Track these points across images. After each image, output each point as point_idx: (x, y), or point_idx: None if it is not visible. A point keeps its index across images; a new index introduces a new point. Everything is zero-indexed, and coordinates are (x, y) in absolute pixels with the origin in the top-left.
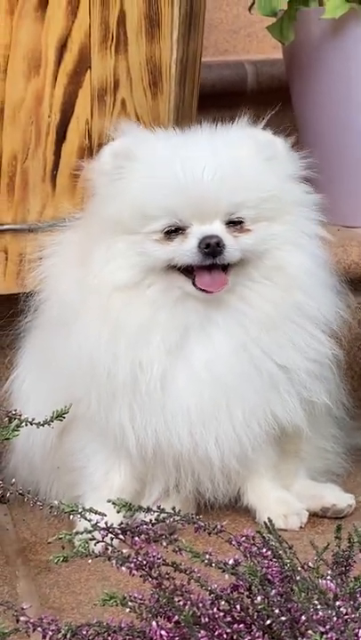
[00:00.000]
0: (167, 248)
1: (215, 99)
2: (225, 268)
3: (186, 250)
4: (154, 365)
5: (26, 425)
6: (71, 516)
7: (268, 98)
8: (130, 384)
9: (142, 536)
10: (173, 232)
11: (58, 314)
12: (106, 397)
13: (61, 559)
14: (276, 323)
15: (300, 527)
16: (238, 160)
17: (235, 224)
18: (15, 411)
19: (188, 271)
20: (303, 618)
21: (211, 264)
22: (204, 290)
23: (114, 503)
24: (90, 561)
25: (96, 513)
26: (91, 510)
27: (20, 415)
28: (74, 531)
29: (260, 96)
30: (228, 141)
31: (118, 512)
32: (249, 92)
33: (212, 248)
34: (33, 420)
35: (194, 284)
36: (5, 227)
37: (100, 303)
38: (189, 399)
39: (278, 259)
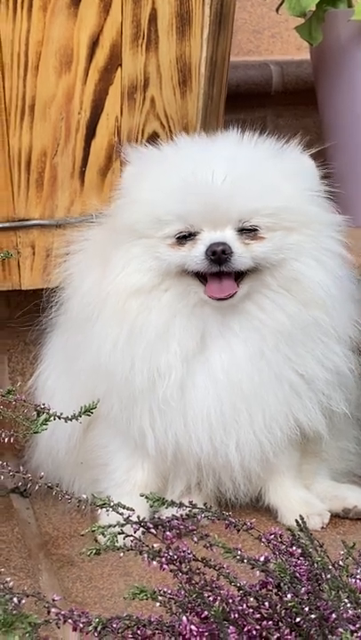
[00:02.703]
0: (179, 253)
1: (240, 99)
2: (239, 275)
3: (194, 256)
4: (171, 372)
5: (54, 419)
6: (97, 510)
7: (294, 99)
8: (148, 390)
9: (173, 531)
10: (185, 237)
11: (79, 313)
12: (126, 400)
13: (93, 552)
14: (293, 334)
15: (322, 527)
16: (253, 167)
17: (248, 231)
18: (43, 404)
19: (201, 277)
20: (333, 616)
21: (218, 271)
22: (213, 296)
23: (147, 497)
24: (119, 554)
25: (124, 507)
26: (119, 505)
27: (49, 409)
28: (107, 524)
29: (285, 97)
30: (248, 148)
31: (151, 506)
32: (274, 92)
33: (217, 256)
34: (61, 414)
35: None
36: (33, 222)
37: (117, 307)
38: (209, 405)
39: (295, 270)
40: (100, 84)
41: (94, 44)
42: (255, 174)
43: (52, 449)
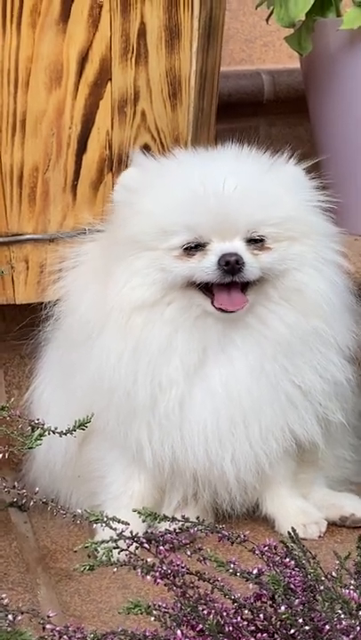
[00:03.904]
0: (187, 264)
1: (232, 108)
2: (244, 286)
3: (205, 267)
4: (173, 387)
5: (48, 434)
6: (93, 525)
7: (286, 107)
8: (149, 405)
9: (167, 545)
10: (193, 248)
11: (78, 331)
12: (124, 415)
13: (88, 567)
14: (293, 345)
15: (319, 536)
16: (259, 178)
17: (255, 242)
18: (38, 420)
19: (207, 289)
20: (327, 627)
21: (230, 282)
22: (221, 309)
23: (139, 512)
24: (112, 569)
25: (119, 522)
26: (114, 519)
27: (43, 424)
28: (99, 539)
29: (277, 106)
30: (250, 161)
31: (144, 521)
32: (265, 101)
33: (231, 266)
34: (55, 429)
35: (213, 304)
36: (26, 236)
37: (121, 323)
38: (206, 418)
39: (297, 280)
40: (91, 98)
41: (84, 60)
42: (260, 186)
43: (49, 462)
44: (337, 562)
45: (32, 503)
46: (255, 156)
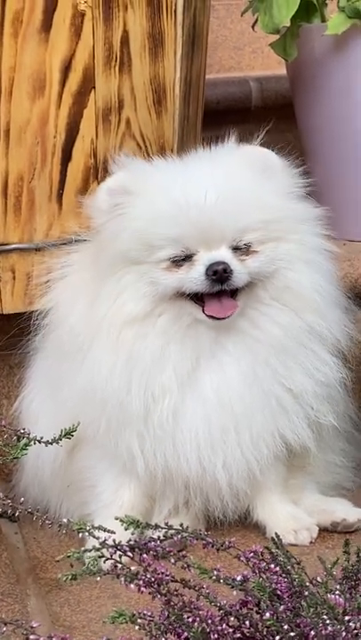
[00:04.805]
0: (175, 276)
1: (220, 115)
2: (234, 292)
3: (193, 277)
4: (166, 396)
5: (34, 444)
6: (81, 534)
7: (273, 114)
8: (142, 414)
9: (151, 553)
10: (181, 259)
11: (68, 343)
12: (116, 426)
13: (70, 577)
14: (286, 346)
15: (311, 542)
16: (239, 184)
17: (242, 247)
18: (24, 430)
19: (197, 298)
20: (312, 633)
21: (219, 290)
22: (213, 317)
23: (122, 521)
24: (99, 578)
25: (105, 530)
26: (100, 528)
27: (29, 434)
28: (82, 549)
29: (265, 112)
30: (226, 165)
31: (126, 529)
32: (253, 108)
33: (219, 275)
34: (41, 438)
35: (204, 311)
36: (12, 246)
37: (112, 337)
38: (198, 425)
39: (288, 279)
40: (75, 107)
41: (67, 69)
42: (239, 189)
43: (38, 472)
44: (326, 566)
45: (18, 513)
46: (229, 154)
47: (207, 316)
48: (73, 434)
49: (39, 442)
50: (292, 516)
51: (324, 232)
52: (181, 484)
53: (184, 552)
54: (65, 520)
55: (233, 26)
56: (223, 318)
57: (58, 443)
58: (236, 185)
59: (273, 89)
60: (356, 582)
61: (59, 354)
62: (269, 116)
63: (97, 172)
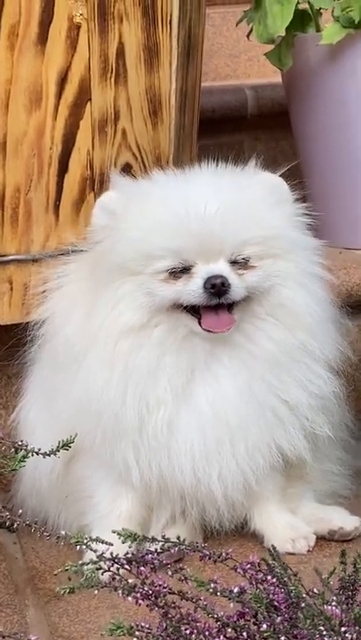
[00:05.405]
0: (173, 288)
1: (216, 124)
2: (230, 306)
3: (191, 290)
4: (161, 408)
5: (32, 455)
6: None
7: (269, 122)
8: (137, 426)
9: (148, 565)
10: (179, 271)
11: (64, 354)
12: (112, 436)
13: (68, 591)
14: (280, 361)
15: (308, 550)
16: (241, 198)
17: (240, 262)
18: (21, 441)
19: (194, 310)
20: None
21: (216, 304)
22: (210, 330)
23: (119, 534)
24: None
25: (102, 542)
26: (97, 540)
27: (26, 446)
28: (80, 562)
29: (261, 120)
30: (229, 180)
31: (123, 542)
32: (249, 116)
33: (217, 288)
34: (39, 450)
35: (200, 324)
36: (10, 257)
37: (108, 348)
38: (193, 437)
39: (283, 296)
40: (71, 119)
41: (63, 81)
42: (241, 205)
43: (36, 482)
44: (324, 576)
45: (16, 525)
46: (234, 172)
47: (204, 329)
48: (70, 445)
49: (37, 453)
50: (289, 525)
51: (321, 261)
52: (177, 494)
53: (181, 564)
54: (63, 532)
55: (229, 34)
56: (220, 332)
57: (55, 454)
58: (238, 199)
59: (269, 97)
60: (353, 592)
61: (54, 364)
62: (265, 124)
63: (93, 183)
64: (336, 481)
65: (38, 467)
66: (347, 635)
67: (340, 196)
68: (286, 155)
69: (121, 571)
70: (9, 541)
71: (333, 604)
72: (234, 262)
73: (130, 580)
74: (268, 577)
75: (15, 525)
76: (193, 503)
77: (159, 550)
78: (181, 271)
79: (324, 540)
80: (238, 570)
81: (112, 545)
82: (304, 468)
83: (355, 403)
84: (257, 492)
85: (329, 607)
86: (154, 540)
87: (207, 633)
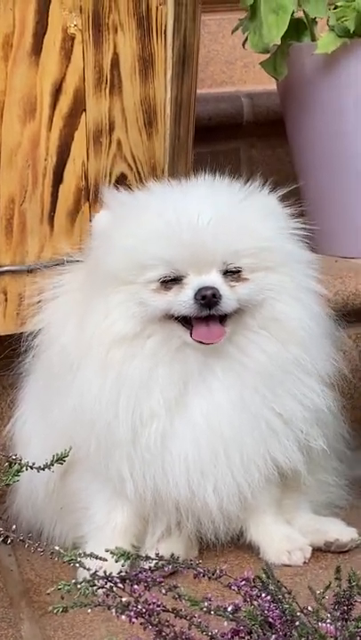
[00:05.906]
0: (165, 298)
1: (211, 132)
2: (223, 317)
3: (182, 301)
4: (154, 420)
5: (26, 469)
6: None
7: (265, 129)
8: (130, 438)
9: (142, 584)
10: (170, 281)
11: (58, 364)
12: (105, 447)
13: (61, 610)
14: (273, 374)
15: (304, 562)
16: (234, 209)
17: (232, 273)
18: (15, 455)
19: (186, 321)
20: None
21: (208, 315)
22: (200, 341)
23: (112, 552)
24: (99, 599)
25: (97, 558)
26: (91, 555)
27: (21, 460)
28: (73, 581)
29: (257, 128)
30: (224, 191)
31: (116, 561)
32: (245, 123)
33: (207, 299)
34: (33, 464)
35: (191, 335)
36: (4, 268)
37: (101, 357)
38: (187, 449)
39: (275, 309)
40: (65, 129)
41: (57, 92)
42: (235, 216)
43: (31, 495)
44: (318, 592)
45: (10, 540)
46: (229, 185)
47: (194, 340)
48: (65, 459)
49: (31, 467)
50: (285, 537)
51: (315, 275)
52: (172, 506)
53: (175, 580)
54: (57, 547)
55: (225, 40)
56: (210, 343)
57: (50, 468)
58: (231, 211)
59: (264, 104)
60: (349, 608)
61: (50, 375)
62: (261, 131)
63: (88, 193)
64: (332, 492)
65: (34, 479)
66: None
67: (336, 205)
68: (282, 162)
69: (115, 588)
70: (4, 553)
71: (328, 621)
72: (226, 273)
73: (124, 599)
74: (263, 594)
75: (9, 540)
76: (188, 516)
77: (153, 568)
78: (173, 281)
79: (320, 551)
80: (233, 587)
81: (106, 560)
82: (300, 479)
83: (350, 413)
84: (253, 505)
85: (324, 625)
86: (147, 558)
87: None
